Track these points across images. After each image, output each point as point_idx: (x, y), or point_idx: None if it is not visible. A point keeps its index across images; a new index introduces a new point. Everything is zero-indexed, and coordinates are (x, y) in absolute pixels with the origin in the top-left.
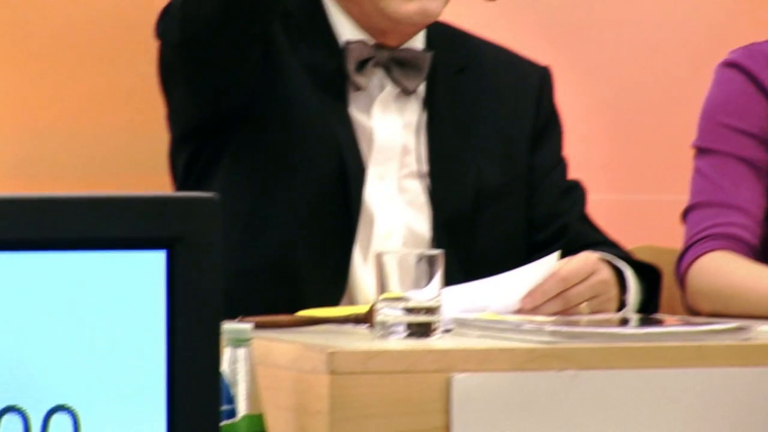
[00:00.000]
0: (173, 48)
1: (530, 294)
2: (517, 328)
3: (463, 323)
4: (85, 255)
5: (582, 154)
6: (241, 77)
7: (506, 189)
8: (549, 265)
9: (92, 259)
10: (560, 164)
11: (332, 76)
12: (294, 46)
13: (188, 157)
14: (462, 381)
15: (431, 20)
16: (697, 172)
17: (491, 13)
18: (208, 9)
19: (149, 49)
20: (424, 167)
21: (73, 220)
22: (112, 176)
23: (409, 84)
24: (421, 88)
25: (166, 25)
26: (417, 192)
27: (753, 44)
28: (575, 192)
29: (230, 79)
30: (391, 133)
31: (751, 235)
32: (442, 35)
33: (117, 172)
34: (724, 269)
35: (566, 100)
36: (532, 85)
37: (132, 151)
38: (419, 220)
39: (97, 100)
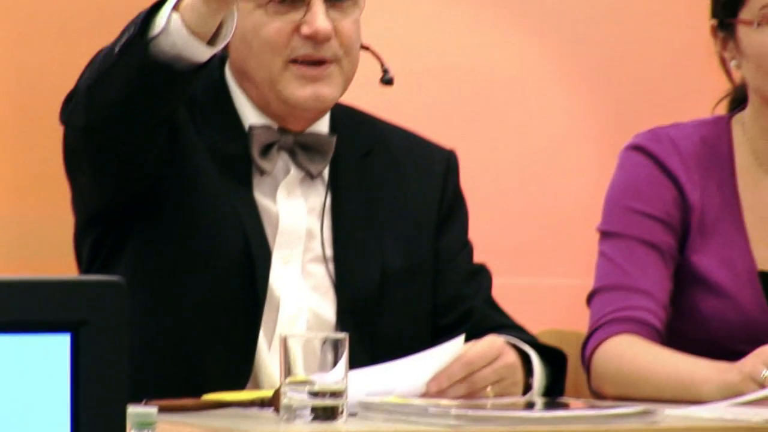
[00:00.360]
0: (78, 133)
1: (435, 378)
2: (422, 412)
3: (368, 407)
4: None
5: (488, 238)
6: (146, 162)
7: (411, 273)
8: (454, 348)
9: None
10: (465, 248)
11: (237, 160)
12: (199, 130)
13: (93, 240)
14: None
15: (326, 105)
16: (602, 255)
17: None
18: (114, 94)
19: (54, 134)
20: (329, 251)
21: None
22: (17, 260)
23: (313, 168)
24: (326, 172)
25: (71, 111)
26: (322, 276)
27: (658, 128)
28: (480, 276)
29: (135, 163)
30: (296, 217)
31: (656, 318)
32: (347, 119)
33: (23, 256)
34: (629, 353)
35: (472, 182)
36: (437, 169)
37: (37, 236)
38: (324, 305)
39: (2, 185)
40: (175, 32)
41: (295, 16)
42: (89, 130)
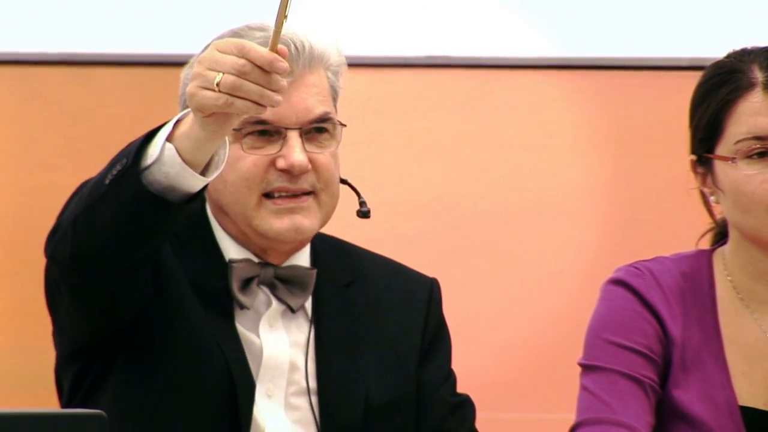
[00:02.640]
0: (62, 266)
1: None
2: None
3: None
4: None
5: (469, 372)
6: (129, 296)
7: (395, 405)
8: None
9: None
10: (449, 379)
11: (219, 293)
12: (182, 264)
13: (75, 374)
14: None
15: (305, 237)
16: (584, 389)
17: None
18: (103, 225)
19: (36, 267)
20: (312, 384)
21: None
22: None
23: (293, 303)
24: (308, 304)
25: (55, 244)
26: (305, 410)
27: (639, 262)
28: (464, 409)
29: (118, 297)
30: (279, 351)
31: None
32: (327, 249)
33: (3, 390)
34: None
35: (452, 315)
36: (419, 298)
37: (18, 369)
38: None
39: None
40: (169, 162)
41: (271, 149)
42: (74, 261)
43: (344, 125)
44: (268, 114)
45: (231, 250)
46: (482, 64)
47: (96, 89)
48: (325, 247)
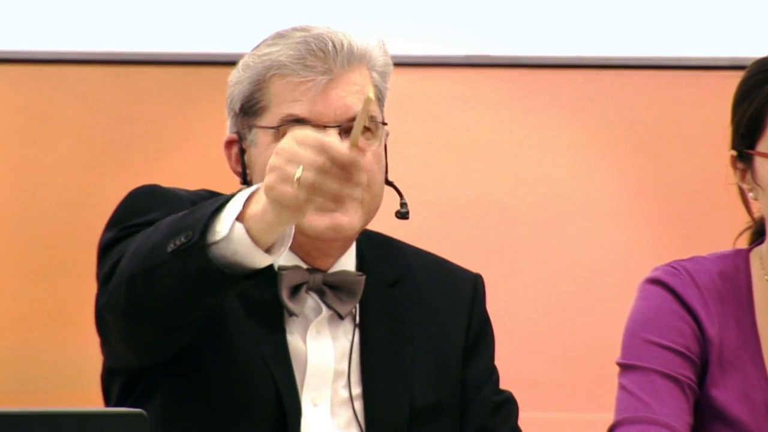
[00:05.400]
0: (115, 317)
1: None
2: None
3: None
4: None
5: (509, 371)
6: (180, 341)
7: (440, 406)
8: None
9: None
10: (492, 377)
11: (268, 303)
12: None
13: (123, 384)
14: None
15: (345, 235)
16: (622, 388)
17: None
18: (162, 292)
19: (79, 265)
20: (356, 390)
21: None
22: (41, 392)
23: (341, 309)
24: (354, 308)
25: (109, 295)
26: (350, 417)
27: (676, 261)
28: (507, 407)
29: (170, 343)
30: (325, 358)
31: None
32: (373, 248)
33: (46, 388)
34: None
35: (499, 310)
36: (463, 295)
37: (61, 367)
38: None
39: (26, 316)
40: (238, 241)
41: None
42: (129, 317)
43: (385, 123)
44: (306, 112)
45: (280, 257)
46: (524, 63)
47: (135, 88)
48: (371, 246)
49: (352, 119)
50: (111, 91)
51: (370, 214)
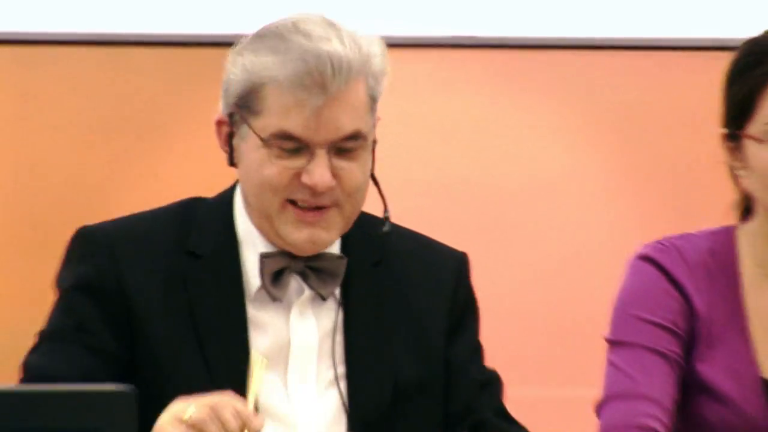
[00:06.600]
0: None
1: None
2: None
3: None
4: None
5: (496, 348)
6: None
7: (424, 385)
8: None
9: None
10: (476, 355)
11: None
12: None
13: None
14: None
15: (322, 248)
16: (610, 364)
17: None
18: None
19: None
20: (341, 369)
21: None
22: None
23: (324, 291)
24: (337, 289)
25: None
26: (334, 395)
27: (665, 238)
28: (492, 385)
29: None
30: (309, 338)
31: (662, 426)
32: (357, 229)
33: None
34: None
35: (485, 289)
36: (448, 275)
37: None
38: (337, 424)
39: (15, 295)
40: None
41: (298, 162)
42: None
43: (375, 141)
44: (298, 129)
45: (260, 245)
46: (509, 44)
47: (127, 69)
48: (356, 226)
49: (342, 138)
50: (103, 73)
51: (349, 222)
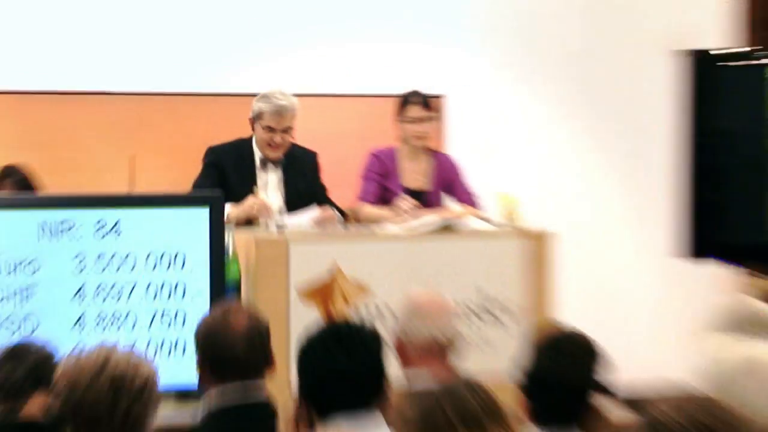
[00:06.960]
0: None
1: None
2: None
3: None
4: None
5: None
6: None
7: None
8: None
9: None
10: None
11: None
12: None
13: None
14: None
15: (280, 157)
16: None
17: None
18: None
19: None
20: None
21: None
22: None
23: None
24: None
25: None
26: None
27: None
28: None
29: None
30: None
31: None
32: (291, 150)
33: None
34: None
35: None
36: (309, 162)
37: None
38: None
39: None
40: None
41: (271, 134)
42: None
43: (293, 128)
44: (272, 124)
45: (259, 154)
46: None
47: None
48: (291, 148)
49: (285, 128)
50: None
51: (285, 150)
